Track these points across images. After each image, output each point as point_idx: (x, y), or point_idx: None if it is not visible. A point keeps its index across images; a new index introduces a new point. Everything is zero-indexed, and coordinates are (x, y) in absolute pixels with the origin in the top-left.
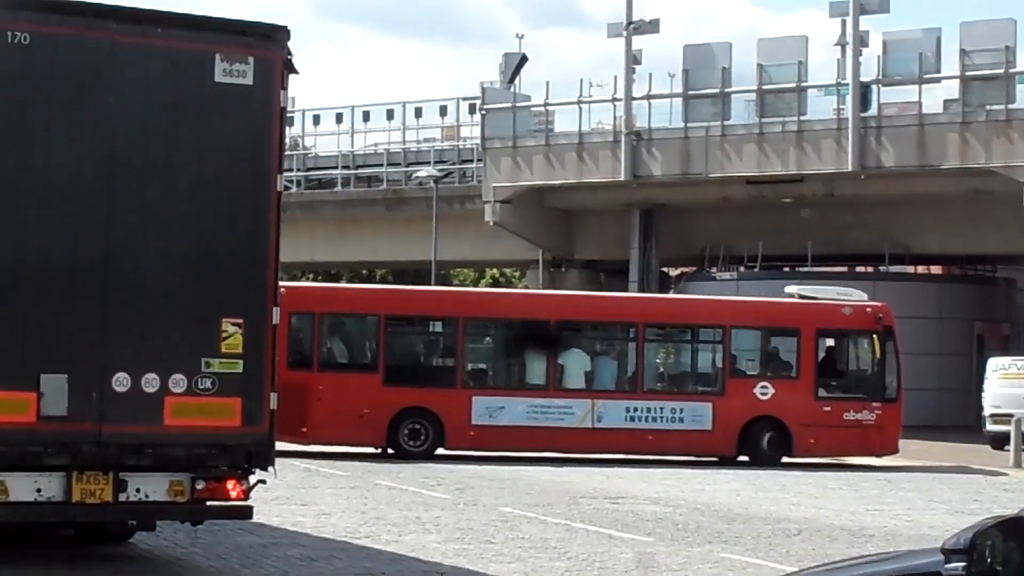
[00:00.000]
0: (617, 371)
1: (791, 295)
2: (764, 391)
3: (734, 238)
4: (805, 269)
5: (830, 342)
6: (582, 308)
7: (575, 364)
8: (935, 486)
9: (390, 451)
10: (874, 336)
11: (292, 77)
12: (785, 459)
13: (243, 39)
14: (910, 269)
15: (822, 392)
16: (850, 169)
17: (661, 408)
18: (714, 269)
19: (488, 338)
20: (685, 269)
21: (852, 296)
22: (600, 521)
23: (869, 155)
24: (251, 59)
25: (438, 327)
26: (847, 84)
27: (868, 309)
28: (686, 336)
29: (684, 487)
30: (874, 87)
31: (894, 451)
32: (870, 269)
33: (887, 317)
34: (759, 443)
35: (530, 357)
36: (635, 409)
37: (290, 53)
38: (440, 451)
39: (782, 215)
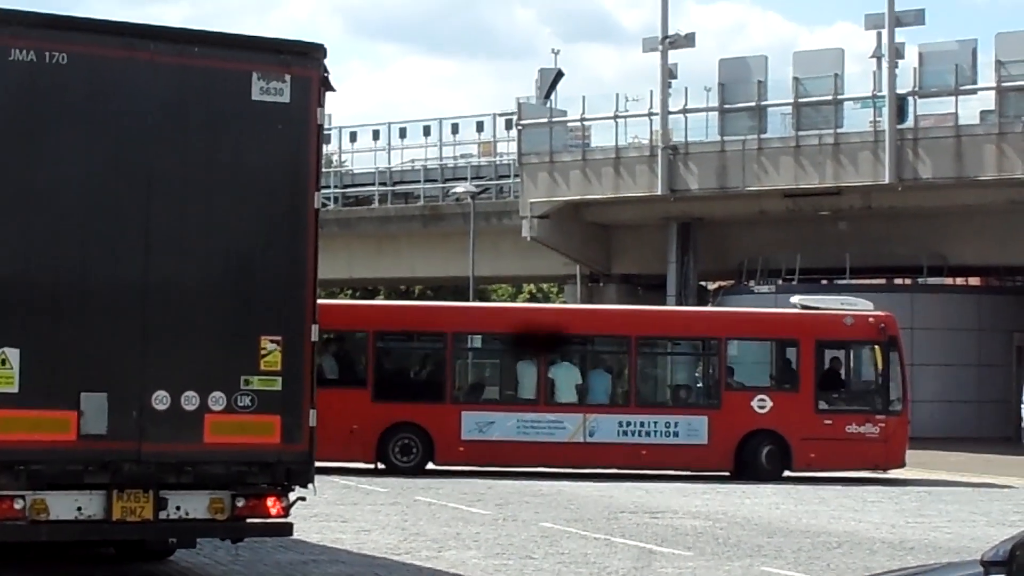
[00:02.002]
0: (609, 385)
1: (795, 305)
2: (762, 404)
3: (772, 251)
4: (843, 281)
5: (831, 353)
6: (573, 321)
7: (566, 378)
8: (975, 498)
9: (380, 466)
10: (877, 347)
11: (328, 94)
12: (787, 473)
13: (280, 57)
14: (948, 281)
15: (823, 405)
16: (887, 181)
17: (655, 422)
18: (752, 282)
19: (477, 353)
20: (723, 283)
21: (857, 306)
22: (640, 536)
23: (906, 167)
24: (288, 77)
25: (427, 342)
26: (883, 96)
27: (871, 319)
28: (680, 348)
29: (724, 501)
30: (910, 99)
31: (900, 465)
32: (908, 281)
33: (891, 327)
34: (757, 457)
35: (520, 371)
36: (628, 423)
37: (326, 71)
38: (431, 466)
39: (820, 228)
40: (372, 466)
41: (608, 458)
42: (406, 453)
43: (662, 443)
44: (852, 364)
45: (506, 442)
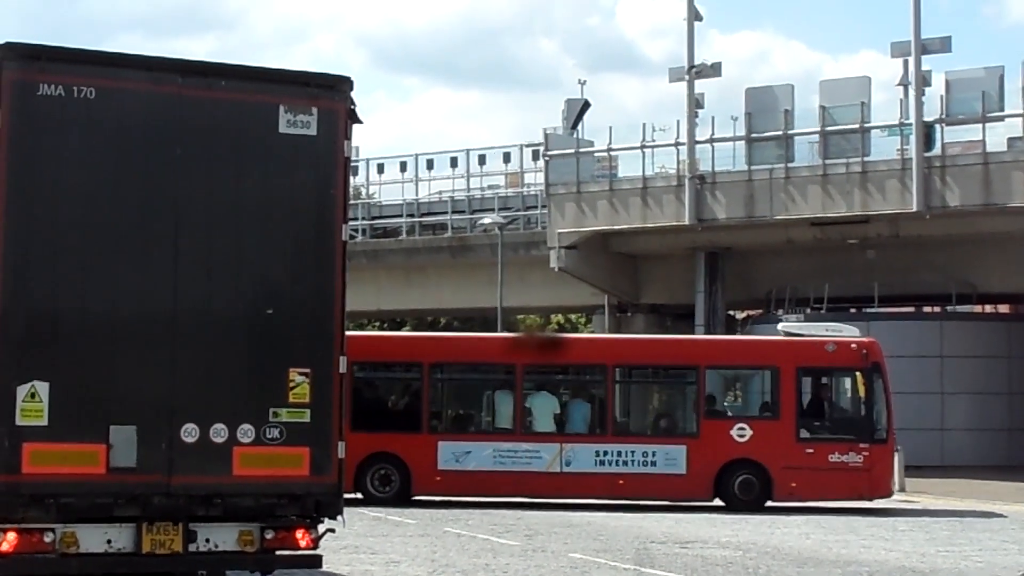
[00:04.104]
0: (587, 414)
1: (781, 332)
2: (742, 433)
3: (800, 280)
4: (872, 310)
5: (813, 381)
6: (548, 349)
7: (542, 407)
8: (1007, 526)
9: (359, 496)
10: (860, 374)
11: (355, 126)
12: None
13: (307, 90)
14: (977, 309)
15: (804, 433)
16: (915, 209)
17: (632, 451)
18: (780, 312)
19: (454, 383)
20: (751, 312)
21: (842, 332)
22: (670, 566)
23: (934, 195)
24: (315, 110)
25: (403, 372)
26: (910, 124)
27: (853, 345)
28: (659, 376)
29: (753, 531)
30: (937, 126)
31: (887, 494)
32: (937, 309)
33: (874, 354)
34: (736, 487)
35: (497, 401)
36: (605, 453)
37: (353, 103)
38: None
39: (848, 256)
40: (351, 495)
41: (585, 488)
42: (385, 483)
43: (640, 472)
44: (835, 391)
45: (483, 472)
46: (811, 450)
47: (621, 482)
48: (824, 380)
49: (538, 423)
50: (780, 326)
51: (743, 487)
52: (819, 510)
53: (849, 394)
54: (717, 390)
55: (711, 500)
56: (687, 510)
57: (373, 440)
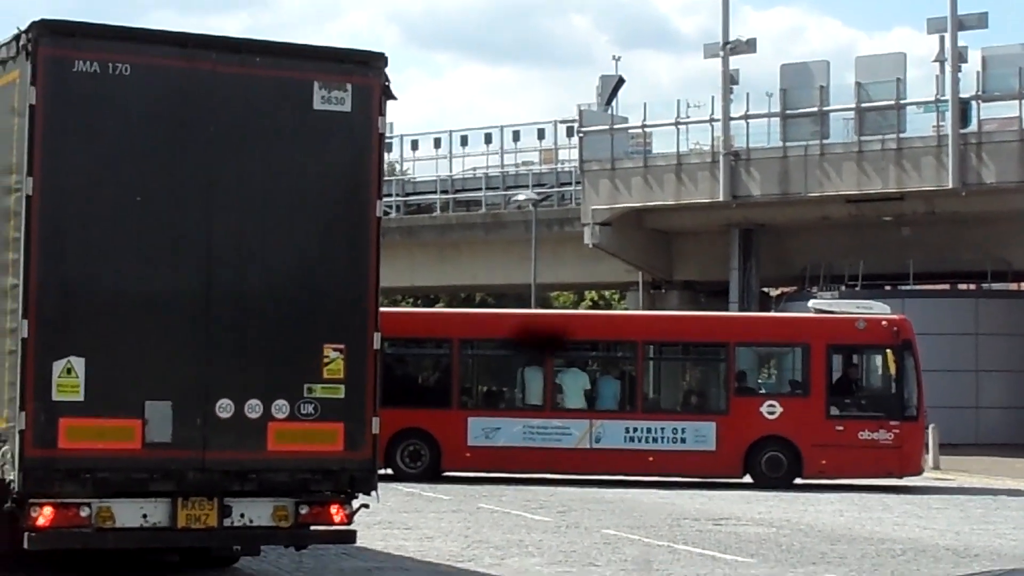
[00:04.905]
0: (616, 390)
1: (811, 309)
2: (772, 410)
3: (834, 257)
4: (907, 287)
5: (843, 358)
6: (580, 326)
7: (573, 384)
8: None
9: (389, 471)
10: (890, 351)
11: (389, 103)
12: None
13: (341, 66)
14: (1013, 286)
15: (834, 411)
16: (951, 186)
17: (662, 428)
18: (815, 289)
19: (484, 358)
20: (785, 289)
21: (873, 309)
22: (703, 543)
23: (970, 171)
24: (349, 86)
25: (434, 348)
26: (946, 100)
27: (884, 323)
28: (688, 354)
29: (787, 508)
30: (974, 103)
31: (917, 472)
32: (972, 286)
33: (905, 331)
34: (766, 464)
35: (527, 377)
36: (635, 429)
37: (387, 79)
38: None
39: (883, 233)
40: (381, 471)
41: (614, 464)
42: (415, 459)
43: (669, 449)
44: (865, 369)
45: (512, 448)
46: (841, 427)
47: (651, 459)
48: (854, 357)
49: (568, 399)
50: (811, 303)
51: (772, 464)
52: (853, 487)
53: (880, 371)
54: (747, 367)
55: (741, 477)
56: (720, 487)
57: (403, 416)
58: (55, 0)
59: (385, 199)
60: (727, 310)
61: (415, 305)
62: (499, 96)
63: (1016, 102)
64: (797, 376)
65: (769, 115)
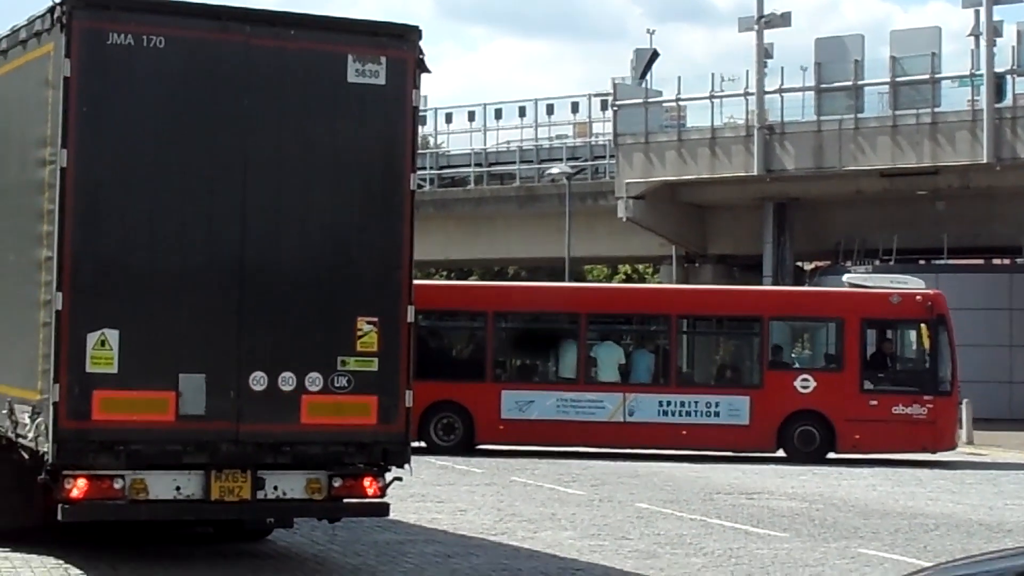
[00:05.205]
0: (650, 364)
1: (846, 284)
2: (805, 384)
3: (868, 231)
4: (941, 262)
5: (877, 332)
6: (613, 300)
7: (606, 357)
8: None
9: (422, 444)
10: (924, 326)
11: (423, 76)
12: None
13: (375, 39)
14: None
15: (868, 385)
16: (985, 161)
17: (696, 402)
18: (849, 263)
19: (518, 332)
20: (819, 263)
21: (907, 284)
22: (736, 517)
23: (1004, 146)
24: (383, 59)
25: (467, 321)
26: (981, 75)
27: (918, 297)
28: (722, 327)
29: (820, 482)
30: (1008, 77)
31: (951, 447)
32: (1007, 261)
33: (939, 306)
34: (800, 438)
35: (560, 350)
36: (668, 403)
37: (421, 52)
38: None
39: (917, 208)
40: (414, 444)
41: (648, 438)
42: (448, 432)
43: (703, 423)
44: (899, 343)
45: (545, 421)
46: (875, 402)
47: (684, 432)
48: (888, 332)
49: (602, 373)
50: (845, 277)
51: (806, 438)
52: (887, 462)
53: (914, 346)
54: (781, 341)
55: (774, 451)
56: (753, 461)
57: (437, 389)
58: None
59: (419, 172)
60: (761, 284)
61: (449, 278)
62: (533, 69)
63: None
64: (831, 350)
65: (804, 89)
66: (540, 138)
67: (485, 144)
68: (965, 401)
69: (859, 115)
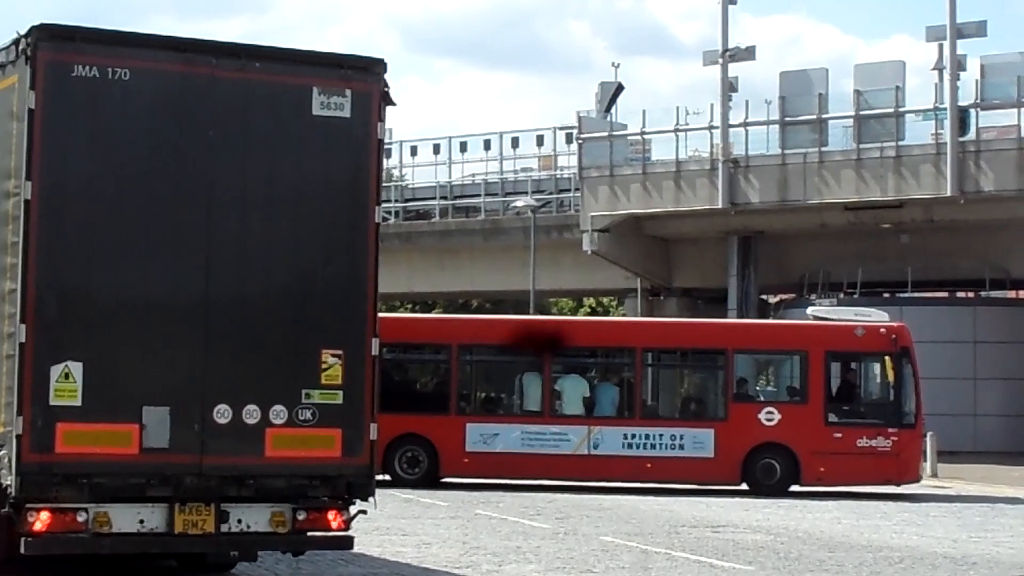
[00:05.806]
0: (615, 397)
1: (810, 316)
2: (770, 417)
3: (833, 264)
4: (905, 295)
5: (842, 365)
6: (577, 332)
7: (571, 390)
8: None
9: (387, 477)
10: (888, 358)
11: (388, 109)
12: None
13: (340, 72)
14: (1011, 294)
15: (833, 418)
16: (949, 194)
17: (660, 435)
18: (813, 296)
19: (482, 365)
20: (784, 296)
21: (871, 317)
22: (701, 550)
23: (968, 180)
24: (348, 92)
25: (432, 354)
26: (945, 109)
27: (882, 330)
28: (687, 360)
29: (785, 515)
30: (972, 111)
31: (915, 479)
32: (971, 294)
33: (903, 338)
34: (764, 471)
35: (524, 383)
36: (633, 436)
37: (387, 85)
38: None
39: (881, 241)
40: (378, 477)
41: (613, 470)
42: (413, 465)
43: (667, 456)
44: (863, 376)
45: (510, 454)
46: (839, 434)
47: (649, 465)
48: (853, 364)
49: (566, 406)
50: (809, 310)
51: (770, 471)
52: (851, 495)
53: (878, 379)
54: (746, 374)
55: (739, 484)
56: (718, 494)
57: (401, 422)
58: (52, 4)
59: (384, 205)
60: (726, 317)
61: (413, 311)
62: (498, 102)
63: (1015, 110)
64: (795, 383)
65: (768, 122)
66: (505, 171)
67: (450, 177)
68: (929, 434)
69: (823, 148)
